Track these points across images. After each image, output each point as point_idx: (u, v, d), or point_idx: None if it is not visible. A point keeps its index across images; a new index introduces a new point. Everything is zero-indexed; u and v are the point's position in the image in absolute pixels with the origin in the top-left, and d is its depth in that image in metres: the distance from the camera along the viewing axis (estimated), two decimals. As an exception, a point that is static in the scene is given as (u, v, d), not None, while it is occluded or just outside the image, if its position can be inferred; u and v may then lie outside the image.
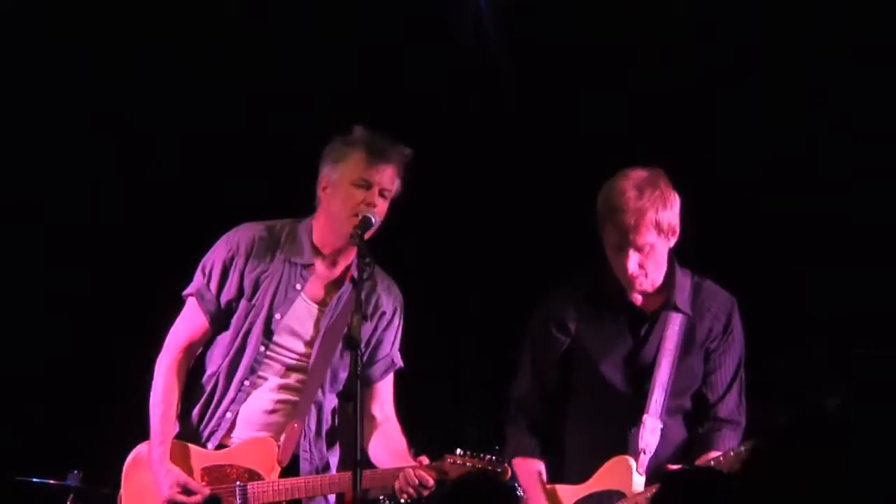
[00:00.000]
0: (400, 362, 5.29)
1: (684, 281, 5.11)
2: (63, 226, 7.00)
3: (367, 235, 5.01)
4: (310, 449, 5.12)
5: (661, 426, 5.01)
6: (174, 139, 6.99)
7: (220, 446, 5.15)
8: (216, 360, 5.20)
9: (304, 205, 5.29)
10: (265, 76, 6.98)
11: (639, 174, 5.01)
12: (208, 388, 5.18)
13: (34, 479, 5.94)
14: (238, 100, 6.96)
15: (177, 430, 5.16)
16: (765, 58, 6.58)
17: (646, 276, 5.01)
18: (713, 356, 5.10)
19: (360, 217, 5.01)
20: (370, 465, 5.11)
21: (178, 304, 6.97)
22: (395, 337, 5.27)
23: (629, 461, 5.01)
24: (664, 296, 5.08)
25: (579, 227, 6.67)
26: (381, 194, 5.08)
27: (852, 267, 6.43)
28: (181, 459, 5.12)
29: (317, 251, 5.18)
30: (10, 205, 6.95)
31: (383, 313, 5.22)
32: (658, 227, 4.96)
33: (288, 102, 6.97)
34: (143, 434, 7.06)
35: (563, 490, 5.09)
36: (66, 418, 6.87)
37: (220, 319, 5.20)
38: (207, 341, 5.22)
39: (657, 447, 5.02)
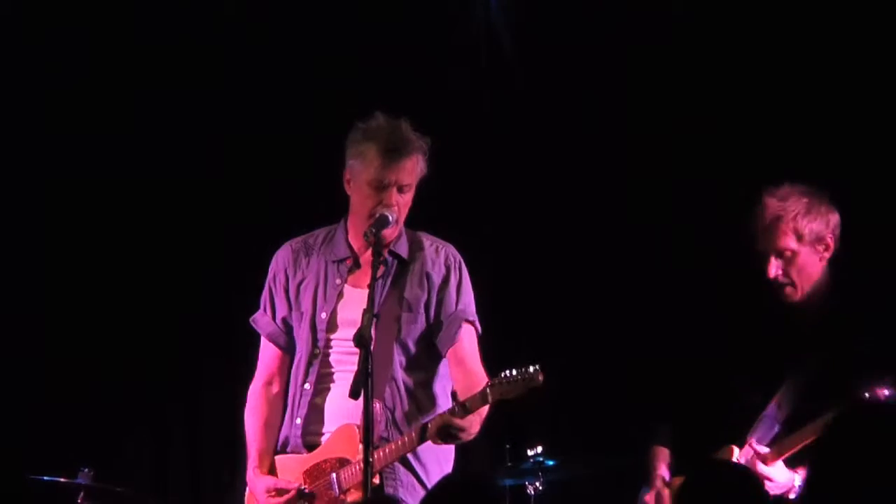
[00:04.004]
0: (471, 316, 5.24)
1: (844, 305, 5.16)
2: (73, 229, 7.03)
3: (389, 233, 5.06)
4: (388, 427, 5.13)
5: (778, 427, 5.11)
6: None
7: (312, 445, 5.22)
8: (292, 372, 5.31)
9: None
10: (273, 77, 7.01)
11: (788, 187, 5.19)
12: (287, 401, 5.30)
13: (44, 478, 5.92)
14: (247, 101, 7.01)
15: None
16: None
17: (793, 286, 5.15)
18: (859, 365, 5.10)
19: (376, 216, 5.03)
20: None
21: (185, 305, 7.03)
22: (458, 295, 5.22)
23: (734, 450, 5.13)
24: (817, 315, 5.17)
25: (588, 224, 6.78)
26: (401, 190, 5.10)
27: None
28: (286, 471, 5.24)
29: (350, 245, 5.21)
30: (47, 211, 7.01)
31: (430, 275, 5.22)
32: (797, 232, 5.12)
33: (296, 101, 7.01)
34: (151, 434, 7.12)
35: (679, 479, 5.15)
36: (76, 416, 6.89)
37: (286, 339, 5.32)
38: (290, 362, 5.33)
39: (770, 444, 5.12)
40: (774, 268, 5.15)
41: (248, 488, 5.31)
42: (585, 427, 6.64)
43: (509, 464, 6.16)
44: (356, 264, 5.22)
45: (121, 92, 7.01)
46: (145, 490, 6.66)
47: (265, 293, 5.35)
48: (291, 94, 7.01)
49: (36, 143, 6.99)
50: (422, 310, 5.21)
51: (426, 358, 5.25)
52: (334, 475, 5.13)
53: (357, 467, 5.02)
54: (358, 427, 5.08)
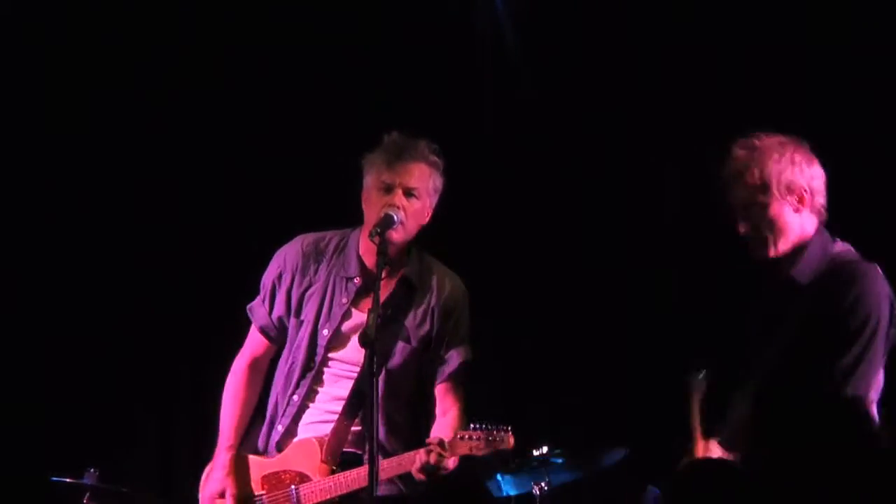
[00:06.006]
0: (466, 356, 5.22)
1: (826, 258, 4.83)
2: (76, 228, 7.05)
3: (395, 235, 5.05)
4: (370, 450, 5.10)
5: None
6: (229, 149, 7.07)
7: (283, 449, 5.23)
8: (276, 375, 5.31)
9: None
10: (294, 80, 7.04)
11: (761, 135, 4.85)
12: (269, 404, 5.30)
13: (51, 478, 5.94)
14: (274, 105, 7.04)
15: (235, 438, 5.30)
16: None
17: (764, 241, 4.82)
18: (832, 325, 4.68)
19: (381, 217, 5.04)
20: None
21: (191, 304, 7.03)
22: (460, 332, 5.23)
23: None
24: (792, 269, 4.84)
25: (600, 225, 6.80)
26: (409, 194, 5.09)
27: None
28: (244, 470, 5.24)
29: (362, 262, 5.22)
30: (50, 211, 7.03)
31: (434, 309, 5.21)
32: (763, 182, 4.79)
33: (295, 101, 7.04)
34: (157, 434, 7.14)
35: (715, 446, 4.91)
36: (82, 417, 6.90)
37: (277, 334, 5.32)
38: (274, 355, 5.33)
39: None
40: (743, 223, 4.85)
41: (204, 476, 5.28)
42: (590, 427, 6.64)
43: (514, 463, 6.16)
44: (365, 287, 5.20)
45: (127, 90, 7.04)
46: (151, 490, 6.68)
47: (268, 285, 5.31)
48: (291, 95, 7.03)
49: (36, 142, 7.01)
50: (419, 343, 5.19)
51: (411, 386, 5.23)
52: (293, 488, 5.14)
53: (317, 486, 5.07)
54: (318, 442, 5.12)
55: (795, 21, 6.49)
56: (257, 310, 5.34)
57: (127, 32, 7.02)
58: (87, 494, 5.89)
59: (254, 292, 5.42)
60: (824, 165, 4.84)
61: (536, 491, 6.15)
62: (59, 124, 7.03)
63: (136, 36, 7.02)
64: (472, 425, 4.94)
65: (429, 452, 4.92)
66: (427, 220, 5.18)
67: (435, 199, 5.18)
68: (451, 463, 4.95)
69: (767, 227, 4.84)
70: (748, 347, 4.92)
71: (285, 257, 5.31)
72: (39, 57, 6.99)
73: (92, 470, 5.89)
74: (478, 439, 4.90)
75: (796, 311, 4.78)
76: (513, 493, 6.31)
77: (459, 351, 5.23)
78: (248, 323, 5.38)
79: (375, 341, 4.69)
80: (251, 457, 5.26)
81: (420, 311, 5.20)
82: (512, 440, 4.92)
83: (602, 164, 6.84)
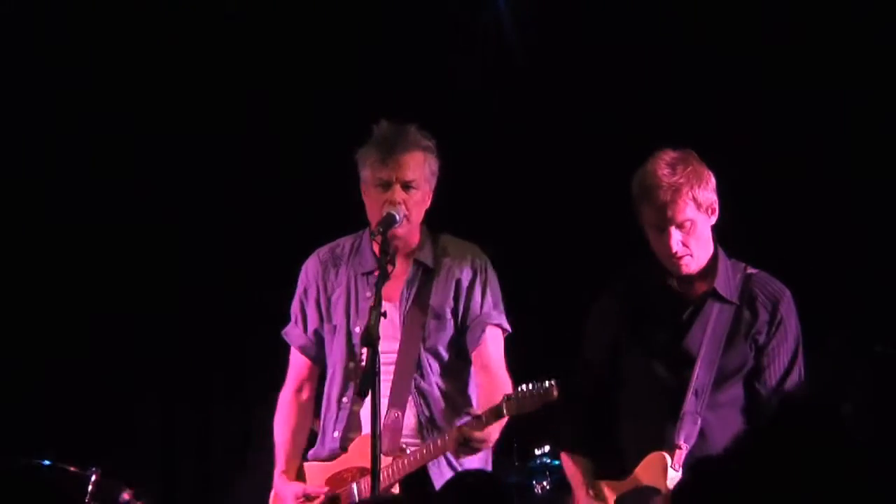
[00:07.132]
0: (496, 319, 5.24)
1: (732, 270, 5.05)
2: (83, 230, 7.05)
3: (400, 231, 5.07)
4: (425, 435, 5.16)
5: (700, 420, 4.95)
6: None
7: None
8: (325, 386, 5.33)
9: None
10: (293, 80, 7.03)
11: (669, 154, 4.99)
12: (322, 416, 5.32)
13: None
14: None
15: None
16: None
17: (691, 255, 4.97)
18: (766, 350, 5.00)
19: (383, 215, 5.03)
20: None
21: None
22: (483, 297, 5.23)
23: (665, 457, 4.92)
24: (708, 283, 5.03)
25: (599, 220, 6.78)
26: (408, 185, 5.11)
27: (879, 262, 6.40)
28: (309, 479, 5.28)
29: (376, 255, 5.21)
30: (57, 212, 7.03)
31: (459, 280, 5.22)
32: (696, 202, 4.93)
33: (302, 105, 7.02)
34: (161, 434, 7.13)
35: (606, 485, 5.05)
36: (83, 416, 6.90)
37: (317, 351, 5.35)
38: (321, 372, 5.36)
39: (697, 442, 4.94)
40: (676, 241, 4.94)
41: (273, 492, 5.33)
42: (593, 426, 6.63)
43: (517, 462, 6.15)
44: (384, 276, 5.21)
45: (140, 94, 7.03)
46: (153, 490, 6.67)
47: (296, 305, 5.37)
48: (296, 97, 7.02)
49: (42, 144, 7.01)
50: (449, 316, 5.21)
51: (461, 363, 5.26)
52: (354, 485, 5.15)
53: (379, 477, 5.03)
54: (378, 437, 5.11)
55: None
56: (292, 332, 5.38)
57: (127, 34, 7.01)
58: (88, 494, 5.88)
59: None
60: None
61: (538, 490, 6.14)
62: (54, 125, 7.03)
63: (136, 38, 7.02)
64: (518, 387, 4.93)
65: (463, 429, 4.93)
66: (429, 203, 5.19)
67: (434, 183, 5.20)
68: (493, 435, 4.98)
69: (696, 244, 4.98)
70: (651, 361, 5.03)
71: (306, 273, 5.37)
72: (40, 60, 6.99)
73: (93, 469, 5.88)
74: (522, 398, 4.90)
75: (731, 331, 4.99)
76: (515, 481, 6.31)
77: (488, 315, 5.23)
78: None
79: (377, 340, 4.71)
80: (313, 464, 5.30)
81: (440, 287, 5.22)
82: (556, 391, 4.90)
83: (610, 160, 6.82)
